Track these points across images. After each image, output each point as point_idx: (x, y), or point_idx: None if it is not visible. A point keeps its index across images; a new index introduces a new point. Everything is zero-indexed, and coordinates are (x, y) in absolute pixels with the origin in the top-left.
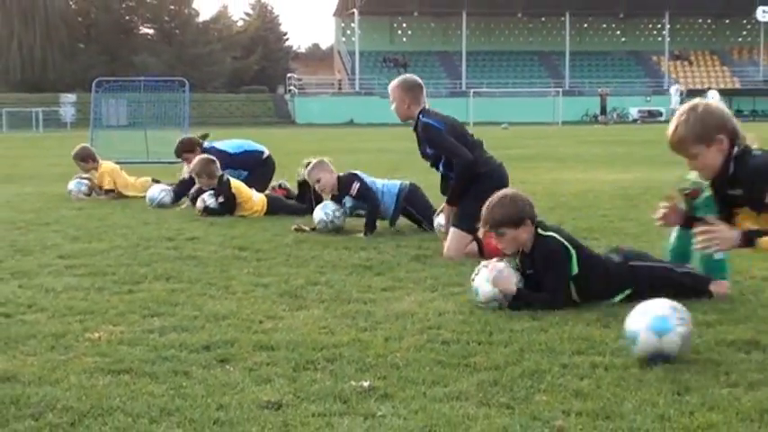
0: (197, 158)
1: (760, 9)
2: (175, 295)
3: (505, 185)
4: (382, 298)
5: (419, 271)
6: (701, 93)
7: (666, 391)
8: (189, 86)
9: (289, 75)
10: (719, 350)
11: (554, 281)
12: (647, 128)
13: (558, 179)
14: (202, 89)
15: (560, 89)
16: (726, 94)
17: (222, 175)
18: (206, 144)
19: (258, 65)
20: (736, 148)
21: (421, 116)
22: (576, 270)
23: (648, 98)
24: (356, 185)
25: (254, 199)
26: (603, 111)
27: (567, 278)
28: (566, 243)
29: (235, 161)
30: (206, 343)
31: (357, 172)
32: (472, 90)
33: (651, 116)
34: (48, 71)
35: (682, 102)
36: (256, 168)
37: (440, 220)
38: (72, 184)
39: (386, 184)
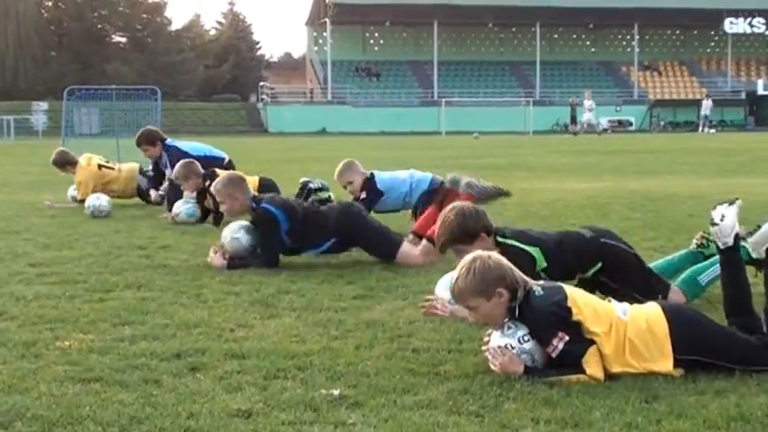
0: (179, 164)
1: (727, 21)
2: (146, 304)
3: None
4: (353, 306)
5: (390, 279)
6: (669, 102)
7: (634, 399)
8: (161, 95)
9: (261, 83)
10: None
11: None
12: (616, 137)
13: (529, 188)
14: (175, 97)
15: (531, 99)
16: (694, 104)
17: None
18: (168, 141)
19: (230, 73)
20: (518, 294)
21: (253, 202)
22: (543, 264)
23: (618, 108)
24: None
25: None
26: (574, 120)
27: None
28: (525, 247)
29: None
30: (177, 351)
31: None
32: (444, 99)
33: (621, 126)
34: (19, 79)
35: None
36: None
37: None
38: (71, 190)
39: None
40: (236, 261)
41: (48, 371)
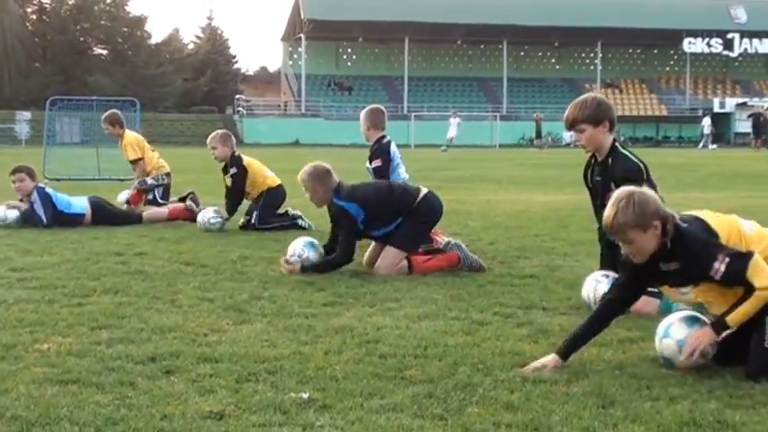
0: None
1: (686, 40)
2: (123, 308)
3: (439, 211)
4: (323, 313)
5: (358, 287)
6: (629, 119)
7: (591, 405)
8: (140, 106)
9: (237, 96)
10: (642, 366)
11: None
12: (578, 152)
13: (494, 200)
14: (154, 109)
15: (498, 114)
16: (653, 121)
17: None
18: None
19: (208, 86)
20: (669, 228)
21: (334, 198)
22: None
23: None
24: None
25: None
26: (539, 135)
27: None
28: (637, 161)
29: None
30: (152, 355)
31: None
32: (413, 114)
33: None
34: (4, 89)
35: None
36: None
37: None
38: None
39: None
40: (310, 267)
41: (27, 372)
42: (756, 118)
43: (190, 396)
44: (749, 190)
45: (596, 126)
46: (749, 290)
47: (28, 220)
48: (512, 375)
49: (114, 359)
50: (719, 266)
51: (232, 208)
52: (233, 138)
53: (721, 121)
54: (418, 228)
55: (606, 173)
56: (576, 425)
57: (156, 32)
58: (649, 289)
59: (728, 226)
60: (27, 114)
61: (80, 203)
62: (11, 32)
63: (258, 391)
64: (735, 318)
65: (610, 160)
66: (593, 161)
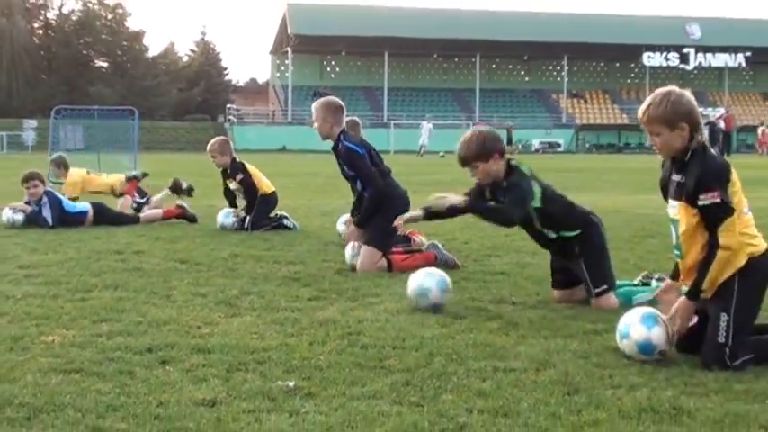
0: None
1: (645, 55)
2: (122, 303)
3: (408, 209)
4: (308, 307)
5: (341, 283)
6: (593, 127)
7: (558, 392)
8: (138, 115)
9: (228, 105)
10: (605, 356)
11: (512, 200)
12: (546, 157)
13: None
14: (151, 117)
15: (471, 122)
16: (616, 129)
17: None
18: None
19: (201, 96)
20: (695, 141)
21: (343, 139)
22: (538, 204)
23: (549, 131)
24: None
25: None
26: (509, 142)
27: (525, 202)
28: (531, 182)
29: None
30: (149, 346)
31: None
32: (393, 122)
33: (551, 147)
34: (12, 99)
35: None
36: None
37: (342, 227)
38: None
39: None
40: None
41: (33, 363)
42: (711, 127)
43: (184, 384)
44: None
45: (487, 161)
46: (712, 245)
47: (33, 221)
48: (483, 365)
49: (114, 350)
50: (707, 199)
51: (250, 210)
52: (231, 144)
53: None
54: (384, 224)
55: (497, 194)
56: (543, 411)
57: (154, 46)
58: (605, 285)
59: (738, 185)
60: (33, 122)
61: (83, 205)
62: (19, 46)
63: (248, 379)
64: (706, 283)
65: (504, 184)
66: (487, 191)
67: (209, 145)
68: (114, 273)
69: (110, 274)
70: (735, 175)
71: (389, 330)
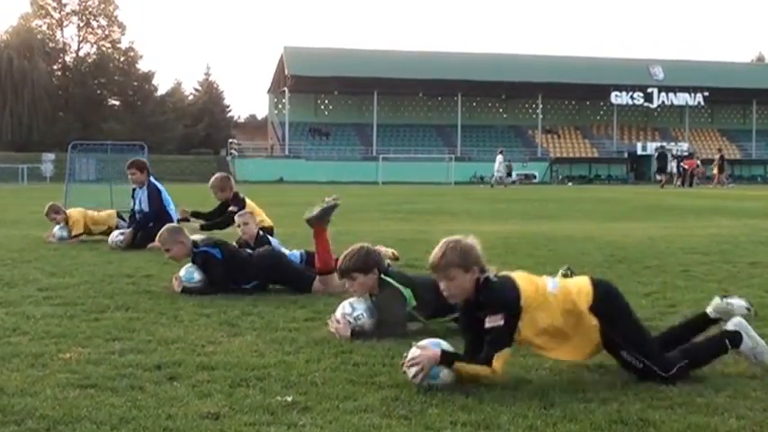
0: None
1: (613, 93)
2: (133, 323)
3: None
4: (305, 327)
5: (335, 305)
6: (566, 160)
7: (535, 406)
8: (147, 149)
9: (230, 140)
10: (578, 372)
11: (391, 316)
12: (522, 188)
13: (451, 230)
14: (158, 151)
15: (453, 156)
16: (587, 162)
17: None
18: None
19: (205, 131)
20: (481, 278)
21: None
22: (414, 303)
23: (525, 164)
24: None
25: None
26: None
27: (401, 315)
28: (399, 287)
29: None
30: (158, 363)
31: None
32: (381, 156)
33: (527, 178)
34: (33, 134)
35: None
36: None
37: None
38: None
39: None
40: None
41: (52, 378)
42: (662, 155)
43: (190, 399)
44: (667, 221)
45: (366, 274)
46: (487, 362)
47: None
48: None
49: (126, 367)
50: (491, 323)
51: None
52: (231, 179)
53: (643, 162)
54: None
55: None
56: (522, 424)
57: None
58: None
59: (534, 285)
60: (51, 156)
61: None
62: (39, 86)
63: (249, 394)
64: (462, 368)
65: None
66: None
67: (210, 181)
68: (126, 295)
69: (122, 296)
70: (522, 281)
71: (379, 349)
